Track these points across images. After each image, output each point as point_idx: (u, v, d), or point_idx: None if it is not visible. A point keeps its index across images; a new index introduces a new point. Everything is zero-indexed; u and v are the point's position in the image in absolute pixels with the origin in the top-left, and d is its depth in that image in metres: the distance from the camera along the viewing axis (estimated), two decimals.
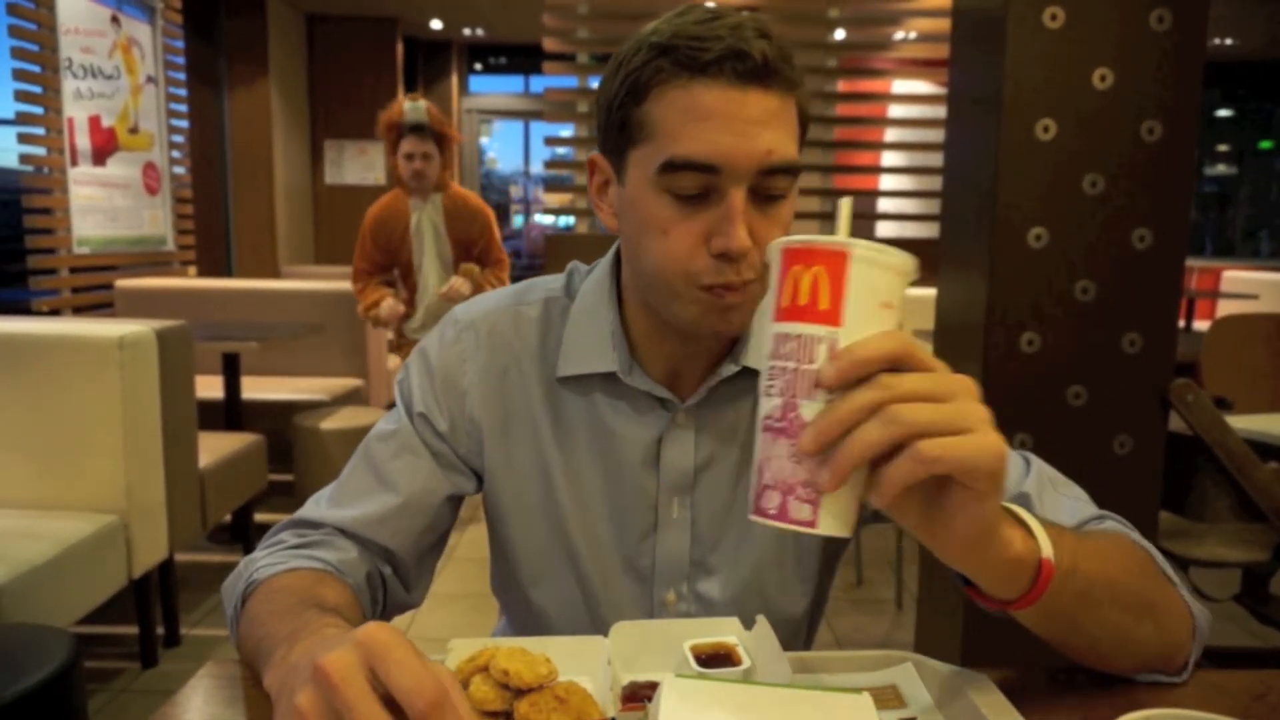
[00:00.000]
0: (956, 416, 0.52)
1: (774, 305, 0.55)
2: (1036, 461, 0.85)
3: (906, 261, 0.54)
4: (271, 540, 0.84)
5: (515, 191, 10.13)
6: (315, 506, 0.87)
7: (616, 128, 0.77)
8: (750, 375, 0.85)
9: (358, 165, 6.96)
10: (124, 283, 4.26)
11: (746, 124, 0.71)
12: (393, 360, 4.70)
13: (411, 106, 3.40)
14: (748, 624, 0.80)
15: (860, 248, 0.53)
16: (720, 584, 0.88)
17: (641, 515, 0.87)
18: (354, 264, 3.54)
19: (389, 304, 3.49)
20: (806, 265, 0.53)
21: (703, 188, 0.73)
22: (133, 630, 2.42)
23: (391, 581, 0.87)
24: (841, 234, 0.57)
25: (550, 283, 0.92)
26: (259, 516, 3.30)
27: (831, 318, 0.52)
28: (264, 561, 0.79)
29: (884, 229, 4.85)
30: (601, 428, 0.87)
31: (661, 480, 0.86)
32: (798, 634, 0.93)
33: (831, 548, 0.93)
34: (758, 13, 0.74)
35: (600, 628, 0.89)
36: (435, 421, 0.87)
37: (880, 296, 0.53)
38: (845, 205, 0.60)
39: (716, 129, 0.71)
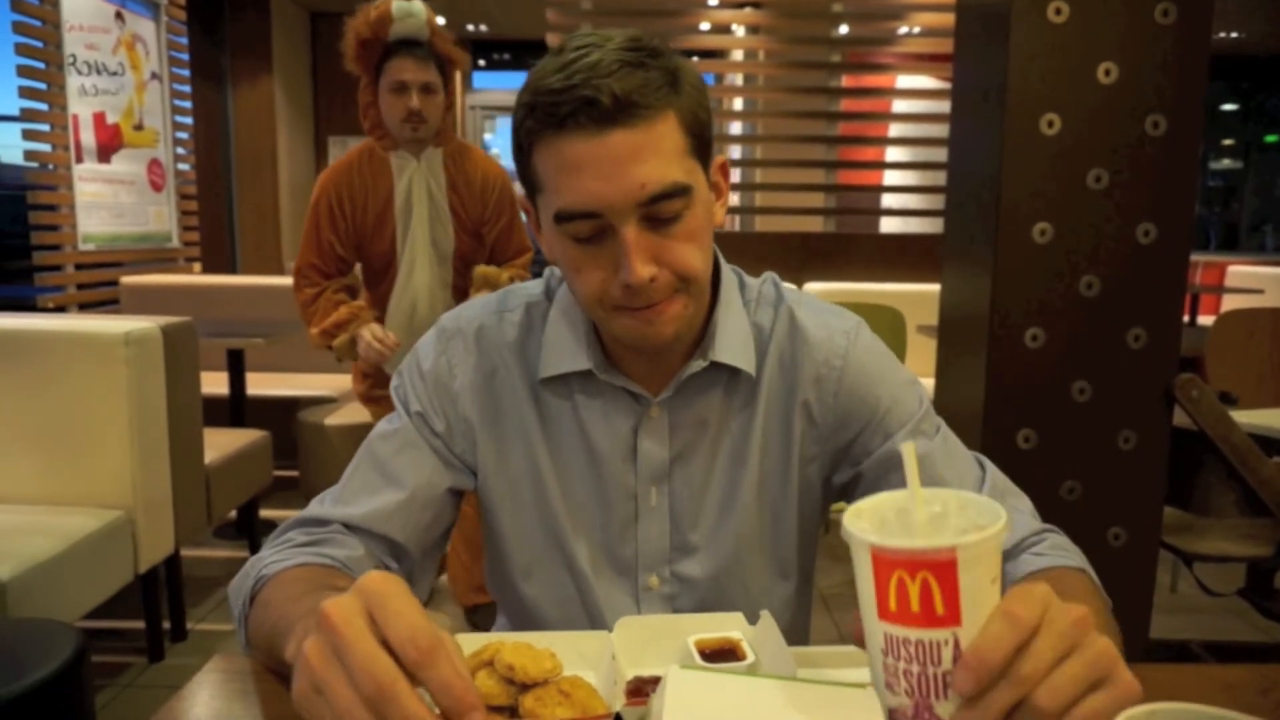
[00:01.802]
0: (1092, 672, 0.51)
1: (875, 603, 0.51)
2: (990, 469, 0.90)
3: (1002, 522, 0.51)
4: (278, 539, 0.85)
5: (519, 188, 10.18)
6: (320, 505, 0.89)
7: (523, 177, 0.82)
8: (718, 368, 0.89)
9: None
10: (129, 279, 4.27)
11: (615, 165, 0.74)
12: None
13: (403, 7, 2.22)
14: (729, 606, 0.80)
15: (965, 548, 0.49)
16: (699, 565, 0.91)
17: (623, 505, 0.91)
18: (299, 259, 2.42)
19: (372, 334, 2.31)
20: (910, 573, 0.49)
21: (594, 230, 0.77)
22: (139, 625, 2.43)
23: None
24: (912, 485, 0.54)
25: (530, 288, 0.96)
26: (264, 512, 3.31)
27: (951, 620, 0.49)
28: (272, 559, 0.80)
29: (888, 224, 4.85)
30: (582, 424, 0.90)
31: (639, 471, 0.90)
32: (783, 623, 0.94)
33: (808, 542, 0.96)
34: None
35: (592, 617, 0.91)
36: (432, 422, 0.90)
37: (990, 575, 0.51)
38: (909, 453, 0.55)
39: (588, 177, 0.74)
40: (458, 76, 7.34)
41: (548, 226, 0.81)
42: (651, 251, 0.77)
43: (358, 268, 2.52)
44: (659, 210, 0.76)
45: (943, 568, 0.49)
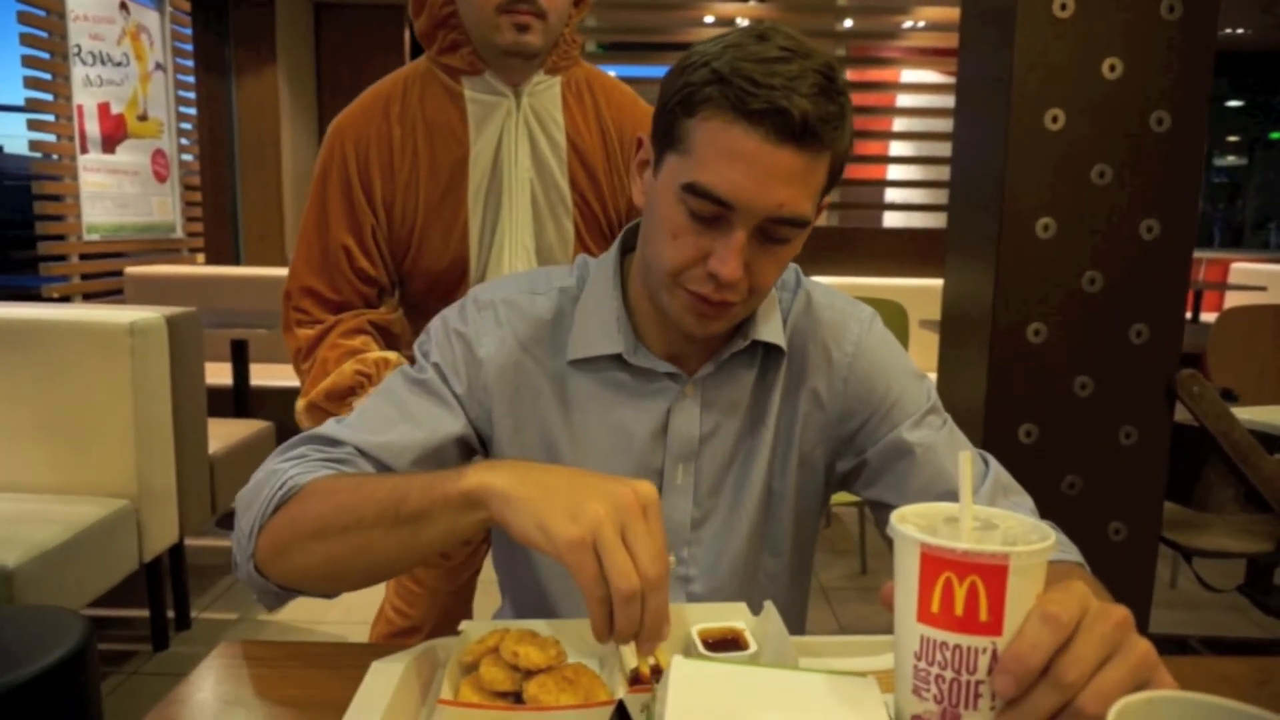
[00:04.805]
0: (1135, 676, 0.51)
1: (916, 604, 0.52)
2: (994, 466, 0.90)
3: (1052, 540, 0.52)
4: (292, 453, 0.84)
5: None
6: (335, 427, 0.87)
7: (664, 127, 0.81)
8: (754, 347, 0.91)
9: None
10: (133, 270, 4.27)
11: (770, 175, 0.76)
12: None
13: None
14: (732, 581, 0.80)
15: (1018, 556, 0.50)
16: (719, 546, 0.93)
17: None
18: (290, 277, 1.40)
19: None
20: (959, 575, 0.50)
21: (714, 215, 0.79)
22: (144, 613, 2.44)
23: None
24: (964, 496, 0.55)
25: (562, 272, 0.96)
26: None
27: (993, 629, 0.50)
28: (295, 470, 0.80)
29: (891, 219, 4.84)
30: (612, 405, 0.91)
31: (668, 449, 0.91)
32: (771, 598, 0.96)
33: (805, 522, 0.97)
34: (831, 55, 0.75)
35: None
36: (450, 381, 0.91)
37: (1035, 590, 0.51)
38: (966, 462, 0.56)
39: (741, 172, 0.76)
40: None
41: (667, 184, 0.80)
42: (748, 258, 0.80)
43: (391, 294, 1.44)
44: (777, 230, 0.79)
45: (993, 573, 0.50)
